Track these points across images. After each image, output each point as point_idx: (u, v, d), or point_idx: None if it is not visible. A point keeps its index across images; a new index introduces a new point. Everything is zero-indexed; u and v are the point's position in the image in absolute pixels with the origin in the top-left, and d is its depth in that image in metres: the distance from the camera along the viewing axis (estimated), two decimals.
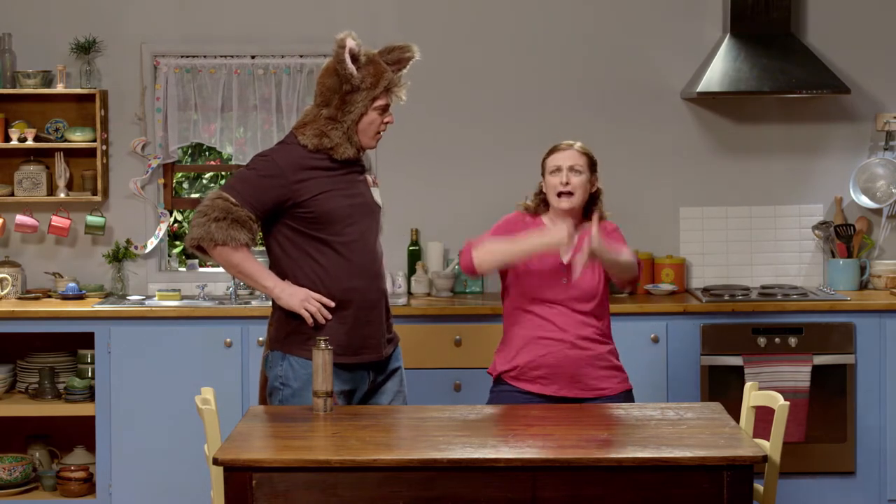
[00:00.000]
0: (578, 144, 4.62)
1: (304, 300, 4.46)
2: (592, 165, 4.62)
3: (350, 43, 4.44)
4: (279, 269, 4.54)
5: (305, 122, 4.55)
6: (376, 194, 4.64)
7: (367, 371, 4.58)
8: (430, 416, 4.24)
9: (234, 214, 4.42)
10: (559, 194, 4.53)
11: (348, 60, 4.43)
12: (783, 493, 5.87)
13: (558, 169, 4.54)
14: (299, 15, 6.51)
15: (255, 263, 4.51)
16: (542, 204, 4.66)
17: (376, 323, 4.58)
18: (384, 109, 4.53)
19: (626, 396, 4.59)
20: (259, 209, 4.46)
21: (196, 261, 6.71)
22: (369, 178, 4.63)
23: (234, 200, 4.43)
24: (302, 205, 4.47)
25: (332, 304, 4.48)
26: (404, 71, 4.58)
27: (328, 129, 4.49)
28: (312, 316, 4.46)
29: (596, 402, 4.49)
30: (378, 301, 4.59)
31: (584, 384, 4.52)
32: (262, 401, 4.67)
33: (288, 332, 4.55)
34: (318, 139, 4.50)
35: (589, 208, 4.63)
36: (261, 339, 5.86)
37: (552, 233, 4.43)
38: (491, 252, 4.50)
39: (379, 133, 4.57)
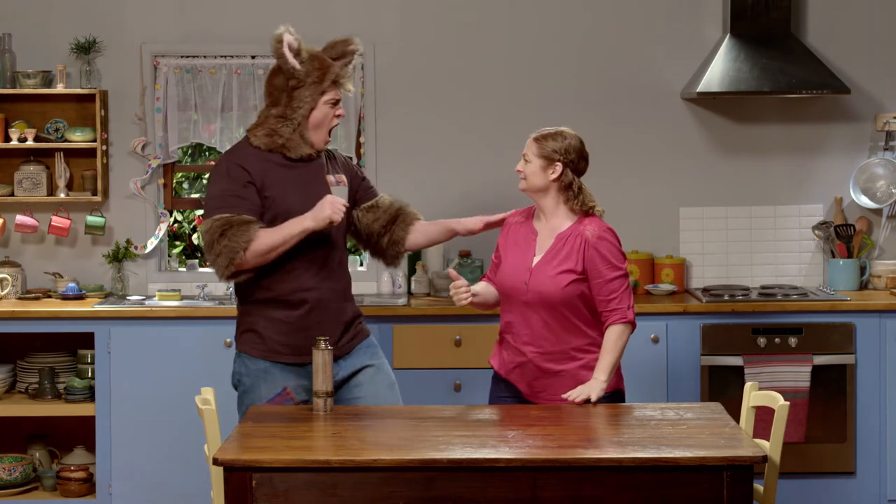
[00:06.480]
0: (545, 134, 4.53)
1: (329, 214, 4.38)
2: (551, 157, 4.50)
3: (287, 38, 4.46)
4: None
5: (257, 124, 4.56)
6: (341, 193, 4.53)
7: None
8: (430, 416, 4.24)
9: (234, 220, 4.41)
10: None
11: (289, 55, 4.45)
12: (783, 493, 5.87)
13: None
14: (299, 15, 6.50)
15: (277, 230, 4.41)
16: None
17: (328, 324, 4.56)
18: (334, 103, 4.54)
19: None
20: (251, 207, 4.43)
21: (196, 261, 6.71)
22: (332, 178, 4.60)
23: (226, 214, 4.41)
24: (263, 199, 4.46)
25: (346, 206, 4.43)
26: (352, 65, 4.60)
27: (278, 126, 4.50)
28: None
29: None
30: (330, 301, 4.57)
31: (546, 397, 4.49)
32: None
33: (241, 331, 4.60)
34: (270, 138, 4.50)
35: (568, 200, 4.56)
36: None
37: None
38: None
39: (330, 130, 4.55)
